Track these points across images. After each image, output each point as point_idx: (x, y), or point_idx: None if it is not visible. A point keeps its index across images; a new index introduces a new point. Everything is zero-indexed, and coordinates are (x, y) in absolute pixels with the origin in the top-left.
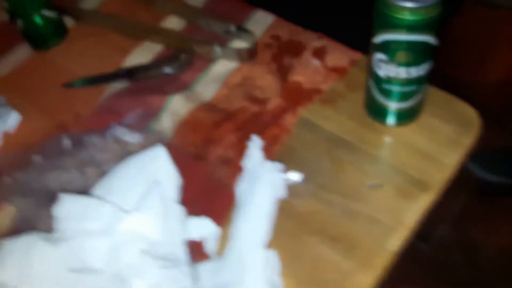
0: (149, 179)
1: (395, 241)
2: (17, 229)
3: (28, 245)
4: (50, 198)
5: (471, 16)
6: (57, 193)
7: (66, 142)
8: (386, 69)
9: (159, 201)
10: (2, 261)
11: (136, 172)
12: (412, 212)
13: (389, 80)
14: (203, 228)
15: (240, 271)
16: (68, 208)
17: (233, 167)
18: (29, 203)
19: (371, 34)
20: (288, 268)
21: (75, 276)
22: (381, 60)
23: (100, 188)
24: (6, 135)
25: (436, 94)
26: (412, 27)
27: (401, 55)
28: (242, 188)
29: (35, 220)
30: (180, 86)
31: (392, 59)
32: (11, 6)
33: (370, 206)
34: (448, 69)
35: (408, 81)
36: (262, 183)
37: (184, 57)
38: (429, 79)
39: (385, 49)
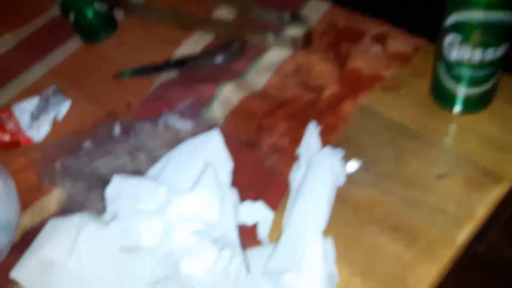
0: (203, 161)
1: (463, 233)
2: (65, 211)
3: (79, 223)
4: (100, 182)
5: None
6: (107, 178)
7: (117, 129)
8: (459, 52)
9: (215, 183)
10: (51, 237)
11: (191, 155)
12: (483, 204)
13: (460, 64)
14: (256, 212)
15: (296, 259)
16: (121, 189)
17: (286, 155)
18: (78, 186)
19: (437, 20)
20: (344, 257)
21: (125, 255)
22: (453, 43)
23: (154, 171)
24: (55, 122)
25: (508, 80)
26: (490, 5)
27: (477, 36)
28: (299, 175)
29: (84, 203)
30: (232, 75)
31: (466, 41)
32: (64, 0)
33: (435, 196)
34: None
35: (482, 65)
36: (321, 169)
37: (235, 46)
38: (503, 62)
39: (459, 30)
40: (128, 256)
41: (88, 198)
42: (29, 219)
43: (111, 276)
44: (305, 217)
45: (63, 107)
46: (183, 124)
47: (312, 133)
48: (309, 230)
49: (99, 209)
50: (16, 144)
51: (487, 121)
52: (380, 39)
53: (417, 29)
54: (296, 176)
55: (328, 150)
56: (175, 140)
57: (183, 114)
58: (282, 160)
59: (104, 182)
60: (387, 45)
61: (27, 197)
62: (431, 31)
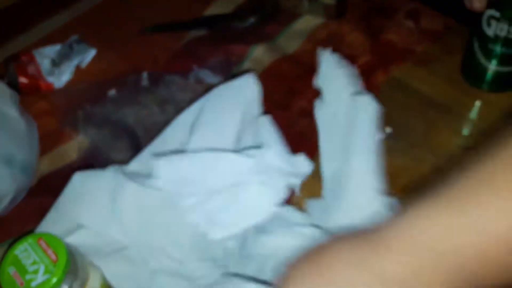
0: (241, 111)
1: None
2: (88, 159)
3: (114, 185)
4: (126, 130)
5: None
6: (134, 127)
7: (146, 80)
8: (497, 27)
9: (274, 133)
10: (81, 200)
11: (227, 104)
12: None
13: (496, 40)
14: (299, 164)
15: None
16: (169, 173)
17: (313, 120)
18: (103, 134)
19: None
20: None
21: (169, 213)
22: (492, 17)
23: (187, 117)
24: (78, 70)
25: None
26: None
27: None
28: (327, 115)
29: (109, 151)
30: (263, 37)
31: (504, 18)
32: None
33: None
34: None
35: None
36: (364, 121)
37: (268, 9)
38: None
39: (499, 5)
40: (173, 215)
41: (114, 147)
42: (48, 164)
43: (156, 237)
44: (362, 174)
45: (88, 56)
46: (214, 79)
47: (328, 62)
48: (366, 184)
49: (125, 159)
50: (37, 88)
51: None
52: (413, 16)
53: (445, 10)
54: (324, 115)
55: (365, 98)
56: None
57: (214, 71)
58: (311, 125)
59: (131, 131)
60: (419, 21)
61: (47, 142)
62: (459, 13)
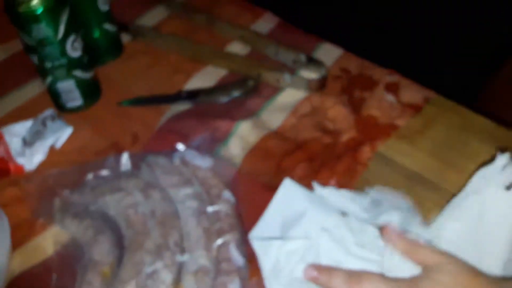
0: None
1: None
2: (68, 256)
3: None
4: (109, 223)
5: None
6: (116, 218)
7: (127, 162)
8: None
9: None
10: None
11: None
12: None
13: None
14: None
15: None
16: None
17: None
18: (84, 227)
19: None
20: None
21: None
22: None
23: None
24: (52, 150)
25: None
26: None
27: None
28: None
29: (91, 247)
30: (247, 112)
31: None
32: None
33: None
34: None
35: None
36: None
37: (250, 83)
38: None
39: None
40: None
41: (96, 242)
42: (19, 261)
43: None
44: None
45: (63, 134)
46: (201, 161)
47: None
48: None
49: (111, 256)
50: (6, 172)
51: None
52: (392, 88)
53: (425, 81)
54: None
55: None
56: (192, 177)
57: (198, 150)
58: None
59: (113, 224)
60: (399, 94)
61: (18, 234)
62: (438, 84)
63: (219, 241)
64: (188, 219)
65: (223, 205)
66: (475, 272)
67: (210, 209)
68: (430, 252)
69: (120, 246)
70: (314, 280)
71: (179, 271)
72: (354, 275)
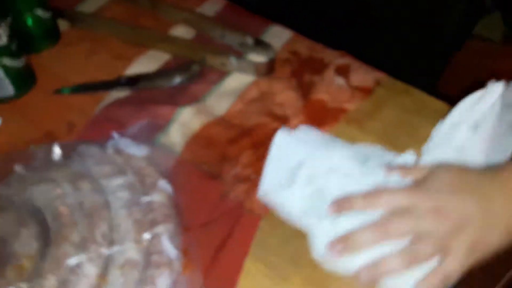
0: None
1: None
2: None
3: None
4: (34, 215)
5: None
6: (43, 210)
7: (57, 152)
8: None
9: None
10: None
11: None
12: None
13: None
14: None
15: None
16: None
17: (252, 186)
18: (7, 219)
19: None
20: None
21: None
22: None
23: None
24: None
25: None
26: None
27: None
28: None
29: (12, 241)
30: (191, 97)
31: None
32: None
33: None
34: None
35: None
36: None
37: (195, 68)
38: None
39: None
40: None
41: (19, 236)
42: None
43: None
44: None
45: None
46: (136, 149)
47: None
48: None
49: (32, 249)
50: None
51: None
52: (343, 71)
53: (377, 63)
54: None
55: None
56: (126, 167)
57: (135, 138)
58: (247, 192)
59: (39, 216)
60: (350, 77)
61: None
62: (390, 65)
63: (150, 233)
64: (119, 210)
65: (157, 195)
66: (465, 166)
67: (144, 199)
68: (427, 167)
69: (46, 239)
70: (337, 210)
71: (105, 265)
72: (370, 193)
